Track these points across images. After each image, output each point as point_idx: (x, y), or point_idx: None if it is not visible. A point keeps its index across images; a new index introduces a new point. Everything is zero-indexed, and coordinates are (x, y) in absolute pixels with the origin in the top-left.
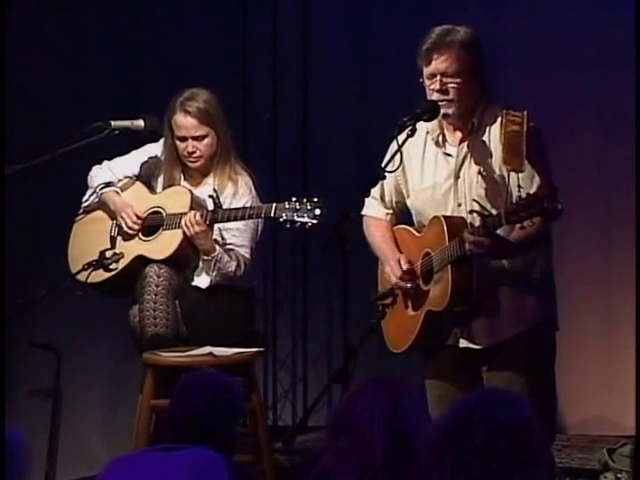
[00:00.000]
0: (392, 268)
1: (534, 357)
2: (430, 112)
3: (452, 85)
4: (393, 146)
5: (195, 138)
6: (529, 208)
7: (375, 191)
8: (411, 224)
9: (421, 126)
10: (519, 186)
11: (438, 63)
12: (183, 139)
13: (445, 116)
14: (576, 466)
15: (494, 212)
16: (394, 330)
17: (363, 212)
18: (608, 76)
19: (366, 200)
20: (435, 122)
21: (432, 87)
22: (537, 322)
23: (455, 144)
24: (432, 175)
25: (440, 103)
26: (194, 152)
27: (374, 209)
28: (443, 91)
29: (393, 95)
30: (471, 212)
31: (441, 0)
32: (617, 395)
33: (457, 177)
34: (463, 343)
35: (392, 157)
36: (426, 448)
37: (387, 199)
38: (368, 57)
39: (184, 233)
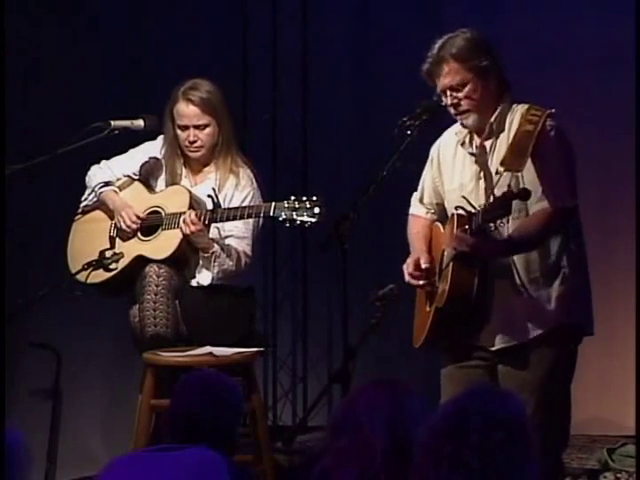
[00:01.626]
0: (407, 265)
1: (551, 361)
2: (430, 111)
3: (462, 96)
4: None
5: (197, 127)
6: (498, 209)
7: (417, 192)
8: None
9: (452, 128)
10: (508, 185)
11: (442, 79)
12: (185, 128)
13: (465, 125)
14: (576, 466)
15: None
16: (417, 325)
17: (409, 211)
18: (608, 76)
19: (412, 199)
20: None
21: (447, 104)
22: (558, 325)
23: (479, 145)
24: (460, 176)
25: (458, 118)
26: (195, 141)
27: (416, 208)
28: (455, 105)
29: (393, 95)
30: (456, 208)
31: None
32: (617, 395)
33: (479, 178)
34: (479, 343)
35: (391, 157)
36: (422, 449)
37: (426, 201)
38: (368, 57)
39: (183, 233)
